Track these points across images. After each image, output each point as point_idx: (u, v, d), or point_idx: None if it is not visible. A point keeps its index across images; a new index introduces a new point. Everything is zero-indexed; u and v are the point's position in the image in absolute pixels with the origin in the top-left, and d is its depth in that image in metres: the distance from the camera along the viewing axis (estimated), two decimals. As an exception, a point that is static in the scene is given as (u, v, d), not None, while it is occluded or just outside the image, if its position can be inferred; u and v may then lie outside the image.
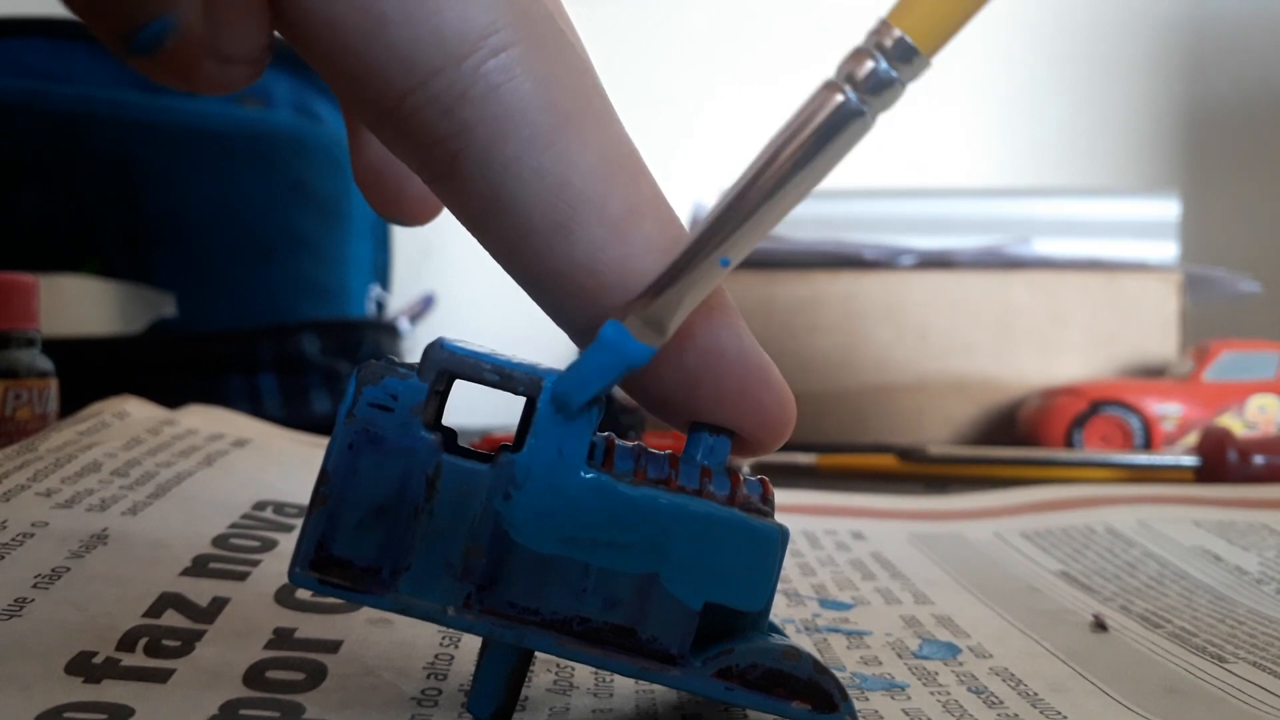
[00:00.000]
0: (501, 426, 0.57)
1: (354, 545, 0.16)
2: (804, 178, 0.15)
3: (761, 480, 0.17)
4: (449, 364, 0.16)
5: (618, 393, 0.18)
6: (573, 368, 0.16)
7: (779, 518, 0.17)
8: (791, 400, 0.17)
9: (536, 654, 0.17)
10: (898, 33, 0.15)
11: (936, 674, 0.21)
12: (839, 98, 0.15)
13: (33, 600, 0.21)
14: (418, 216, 0.24)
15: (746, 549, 0.17)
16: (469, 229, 0.17)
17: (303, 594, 0.23)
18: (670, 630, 0.17)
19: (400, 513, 0.16)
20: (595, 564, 0.16)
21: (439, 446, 0.16)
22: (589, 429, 0.16)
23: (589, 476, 0.16)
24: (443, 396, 0.17)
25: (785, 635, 0.19)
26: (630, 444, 0.17)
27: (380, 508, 0.16)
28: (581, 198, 0.16)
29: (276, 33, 0.16)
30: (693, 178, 0.84)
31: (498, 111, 0.15)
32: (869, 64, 0.15)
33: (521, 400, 0.17)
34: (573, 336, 0.17)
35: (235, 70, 0.16)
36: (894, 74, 0.15)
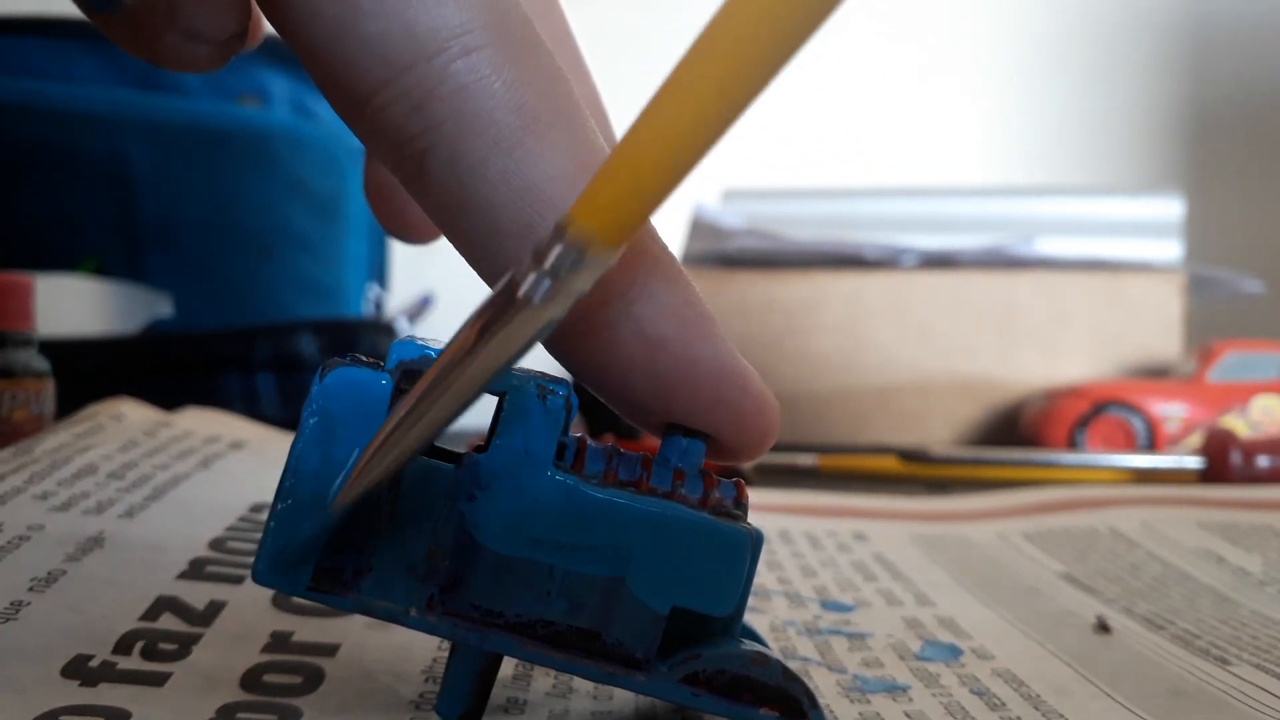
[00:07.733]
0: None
1: (317, 545, 0.16)
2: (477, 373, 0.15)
3: (736, 483, 0.17)
4: (415, 362, 0.16)
5: None
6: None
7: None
8: (773, 407, 0.17)
9: None
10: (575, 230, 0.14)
11: (939, 676, 0.21)
12: (519, 293, 0.14)
13: (29, 603, 0.21)
14: (423, 235, 0.24)
15: (714, 553, 0.16)
16: (441, 229, 0.17)
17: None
18: (636, 634, 0.16)
19: (363, 512, 0.16)
20: (560, 567, 0.16)
21: None
22: (557, 429, 0.16)
23: (555, 478, 0.16)
24: None
25: (762, 640, 0.18)
26: (603, 445, 0.17)
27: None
28: (548, 202, 0.15)
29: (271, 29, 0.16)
30: (691, 179, 0.84)
31: (465, 110, 0.15)
32: (553, 254, 0.14)
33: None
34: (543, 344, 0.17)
35: (199, 49, 0.16)
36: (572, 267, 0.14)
